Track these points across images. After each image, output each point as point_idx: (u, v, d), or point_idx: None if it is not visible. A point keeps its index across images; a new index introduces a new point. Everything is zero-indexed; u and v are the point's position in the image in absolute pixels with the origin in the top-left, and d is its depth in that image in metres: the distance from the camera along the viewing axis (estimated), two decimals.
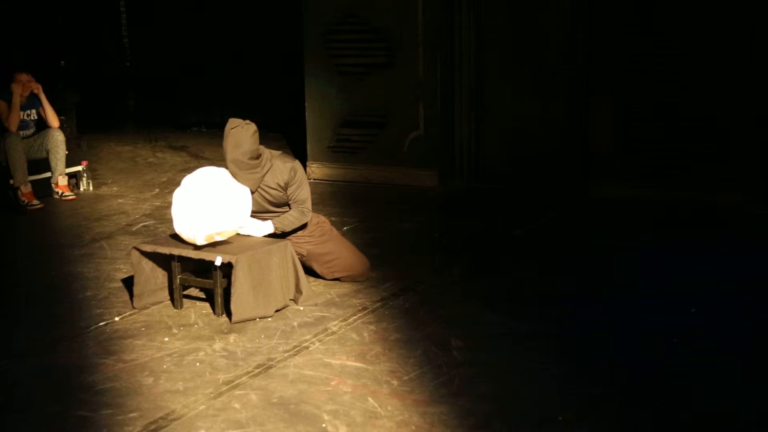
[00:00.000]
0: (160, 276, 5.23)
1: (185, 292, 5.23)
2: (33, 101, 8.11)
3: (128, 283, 5.42)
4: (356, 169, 8.74)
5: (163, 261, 5.17)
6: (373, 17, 8.44)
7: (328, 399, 3.93)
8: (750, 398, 3.91)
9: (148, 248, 5.10)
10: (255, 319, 4.90)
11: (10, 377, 4.29)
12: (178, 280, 5.09)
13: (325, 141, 8.87)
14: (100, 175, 9.15)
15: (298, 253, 5.30)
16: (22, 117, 8.02)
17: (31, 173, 7.91)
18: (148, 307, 5.16)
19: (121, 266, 5.98)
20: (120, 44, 13.26)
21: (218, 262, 4.86)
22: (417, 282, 5.57)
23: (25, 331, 4.90)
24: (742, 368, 4.21)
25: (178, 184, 5.27)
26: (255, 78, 11.92)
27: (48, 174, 8.14)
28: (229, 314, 4.92)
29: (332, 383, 4.09)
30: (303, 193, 5.33)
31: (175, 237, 5.13)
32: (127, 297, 5.32)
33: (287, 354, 4.44)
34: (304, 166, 8.16)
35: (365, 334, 4.69)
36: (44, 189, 8.09)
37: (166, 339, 4.68)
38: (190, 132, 11.92)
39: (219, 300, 4.96)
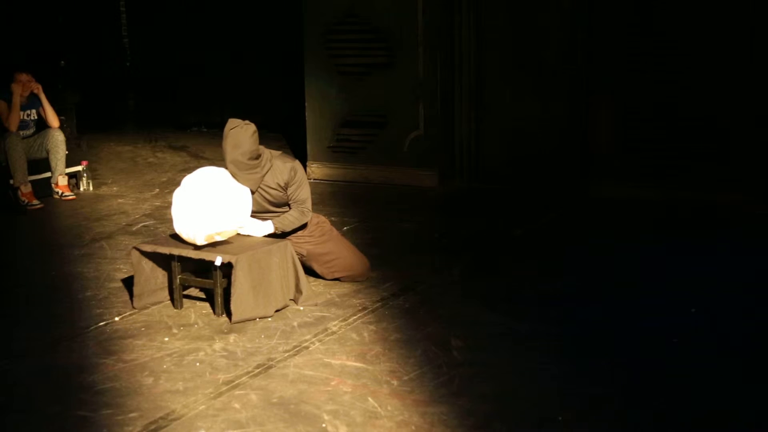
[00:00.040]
0: (160, 276, 5.23)
1: (185, 292, 5.24)
2: (33, 101, 8.11)
3: (128, 283, 5.42)
4: (356, 169, 8.74)
5: (163, 261, 5.17)
6: (373, 17, 8.44)
7: (328, 399, 3.93)
8: (750, 398, 3.91)
9: (148, 248, 5.10)
10: (255, 319, 4.90)
11: (10, 377, 4.29)
12: (178, 280, 5.09)
13: (325, 141, 8.87)
14: (100, 175, 9.15)
15: (298, 253, 5.30)
16: (22, 117, 8.02)
17: (31, 173, 7.91)
18: (148, 307, 5.16)
19: (121, 266, 5.98)
20: (120, 44, 13.26)
21: (218, 262, 4.86)
22: (417, 282, 5.57)
23: (25, 331, 4.90)
24: (742, 368, 4.21)
25: (178, 184, 5.27)
26: (255, 78, 11.92)
27: (48, 174, 8.14)
28: (229, 314, 4.92)
29: (332, 383, 4.09)
30: (303, 193, 5.33)
31: (175, 237, 5.13)
32: (127, 297, 5.32)
33: (287, 354, 4.44)
34: (304, 166, 8.15)
35: (365, 334, 4.69)
36: (44, 189, 8.09)
37: (166, 339, 4.68)
38: (190, 132, 11.92)
39: (219, 300, 4.96)
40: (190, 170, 6.60)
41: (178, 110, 12.48)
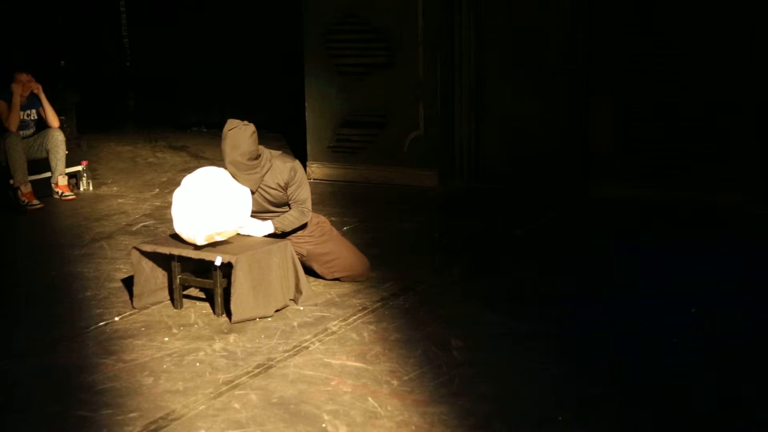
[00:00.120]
0: (160, 276, 5.23)
1: (185, 292, 5.23)
2: (33, 101, 8.12)
3: (128, 283, 5.42)
4: (356, 169, 8.74)
5: (163, 261, 5.17)
6: (373, 17, 8.44)
7: (328, 399, 3.93)
8: (750, 398, 3.91)
9: (148, 248, 5.10)
10: (255, 319, 4.90)
11: (10, 377, 4.29)
12: (178, 280, 5.09)
13: (325, 141, 8.87)
14: (100, 175, 9.15)
15: (298, 253, 5.30)
16: (22, 117, 8.02)
17: (31, 173, 7.91)
18: (148, 307, 5.16)
19: (121, 266, 5.98)
20: (120, 44, 13.25)
21: (218, 262, 4.86)
22: (417, 282, 5.57)
23: (25, 331, 4.90)
24: (742, 368, 4.21)
25: (178, 184, 5.27)
26: (255, 78, 11.92)
27: (48, 174, 8.15)
28: (229, 314, 4.92)
29: (332, 383, 4.09)
30: (303, 193, 5.33)
31: (175, 237, 5.13)
32: (127, 297, 5.32)
33: (287, 354, 4.44)
34: (304, 166, 8.15)
35: (365, 334, 4.69)
36: (44, 189, 8.09)
37: (166, 339, 4.68)
38: (190, 132, 11.92)
39: (219, 300, 4.96)
40: (190, 170, 6.60)
41: (178, 110, 12.48)
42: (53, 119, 8.15)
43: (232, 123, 5.15)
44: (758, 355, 4.38)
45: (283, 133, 10.69)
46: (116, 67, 13.30)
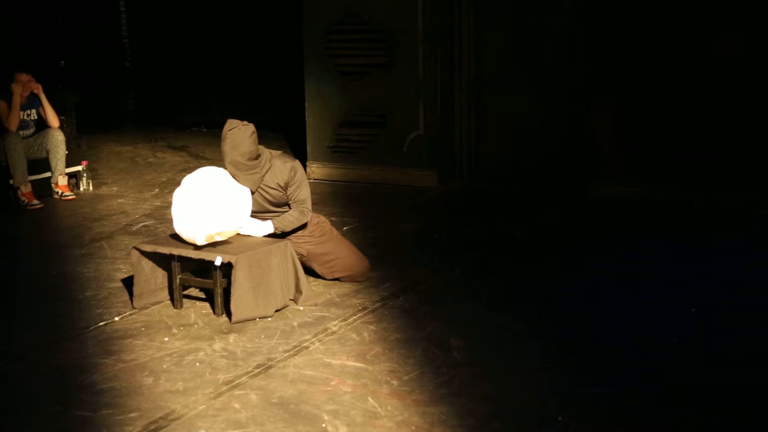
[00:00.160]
0: (160, 276, 5.23)
1: (185, 292, 5.23)
2: (33, 101, 8.12)
3: (128, 283, 5.42)
4: (356, 169, 8.74)
5: (163, 261, 5.17)
6: (373, 17, 8.44)
7: (328, 399, 3.93)
8: (750, 398, 3.91)
9: (148, 248, 5.11)
10: (255, 319, 4.90)
11: (10, 377, 4.29)
12: (178, 280, 5.09)
13: (325, 141, 8.87)
14: (100, 175, 9.14)
15: (298, 253, 5.30)
16: (22, 117, 8.02)
17: (31, 173, 7.91)
18: (148, 307, 5.16)
19: (121, 266, 5.98)
20: (120, 44, 13.25)
21: (218, 262, 4.86)
22: (417, 282, 5.57)
23: (25, 331, 4.90)
24: (742, 368, 4.21)
25: (178, 184, 5.27)
26: (255, 78, 11.91)
27: (48, 174, 8.14)
28: (229, 314, 4.92)
29: (332, 383, 4.09)
30: (303, 193, 5.33)
31: (175, 237, 5.13)
32: (127, 297, 5.32)
33: (287, 354, 4.44)
34: (304, 166, 8.15)
35: (365, 334, 4.69)
36: (44, 189, 8.09)
37: (166, 339, 4.68)
38: (190, 132, 11.92)
39: (219, 300, 4.96)
40: (190, 170, 6.60)
41: (178, 110, 12.48)
42: (53, 119, 8.15)
43: (231, 123, 5.15)
44: (758, 355, 4.38)
45: (283, 133, 10.69)
46: (116, 67, 13.30)
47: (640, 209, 7.36)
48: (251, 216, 5.23)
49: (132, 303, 5.17)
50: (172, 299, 5.19)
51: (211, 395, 3.99)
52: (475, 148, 8.54)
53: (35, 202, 7.79)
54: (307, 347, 4.53)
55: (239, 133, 5.09)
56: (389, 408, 3.83)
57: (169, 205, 6.18)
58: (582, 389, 3.99)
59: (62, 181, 8.14)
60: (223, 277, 4.94)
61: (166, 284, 5.24)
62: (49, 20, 12.60)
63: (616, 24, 7.69)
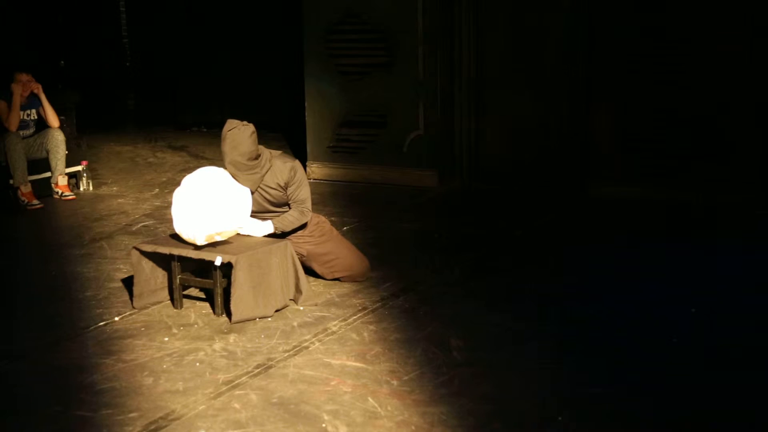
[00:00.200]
0: (160, 276, 5.23)
1: (185, 292, 5.23)
2: (33, 101, 8.11)
3: (128, 283, 5.42)
4: (356, 169, 8.74)
5: (163, 261, 5.17)
6: (373, 17, 8.44)
7: (328, 399, 3.93)
8: (750, 398, 3.91)
9: (148, 248, 5.11)
10: (255, 319, 4.90)
11: (10, 377, 4.29)
12: (178, 280, 5.09)
13: (325, 141, 8.87)
14: (100, 175, 9.15)
15: (298, 253, 5.30)
16: (22, 117, 8.02)
17: (31, 173, 7.91)
18: (148, 307, 5.16)
19: (121, 266, 5.98)
20: (120, 44, 13.25)
21: (218, 262, 4.86)
22: (417, 282, 5.57)
23: (25, 331, 4.90)
24: (742, 368, 4.21)
25: (178, 184, 5.27)
26: (255, 78, 11.92)
27: (48, 174, 8.14)
28: (229, 314, 4.92)
29: (332, 383, 4.09)
30: (303, 193, 5.33)
31: (175, 237, 5.13)
32: (127, 297, 5.32)
33: (287, 354, 4.44)
34: (304, 166, 8.16)
35: (365, 334, 4.69)
36: (44, 189, 8.09)
37: (166, 339, 4.68)
38: (190, 132, 11.92)
39: (219, 300, 4.96)
40: (190, 170, 6.60)
41: (178, 110, 12.48)
42: (53, 119, 8.15)
43: (231, 123, 5.15)
44: (758, 355, 4.38)
45: (283, 133, 10.69)
46: (116, 67, 13.29)
47: (640, 209, 7.36)
48: (251, 216, 5.23)
49: (132, 303, 5.17)
50: (172, 299, 5.19)
51: (211, 395, 3.99)
52: (475, 148, 8.54)
53: (35, 202, 7.79)
54: (307, 347, 4.53)
55: (239, 133, 5.09)
56: (389, 408, 3.83)
57: (169, 205, 6.17)
58: (582, 389, 3.99)
59: (62, 181, 8.14)
60: (223, 277, 4.94)
61: (166, 284, 5.24)
62: (49, 20, 12.60)
63: (616, 24, 7.69)
